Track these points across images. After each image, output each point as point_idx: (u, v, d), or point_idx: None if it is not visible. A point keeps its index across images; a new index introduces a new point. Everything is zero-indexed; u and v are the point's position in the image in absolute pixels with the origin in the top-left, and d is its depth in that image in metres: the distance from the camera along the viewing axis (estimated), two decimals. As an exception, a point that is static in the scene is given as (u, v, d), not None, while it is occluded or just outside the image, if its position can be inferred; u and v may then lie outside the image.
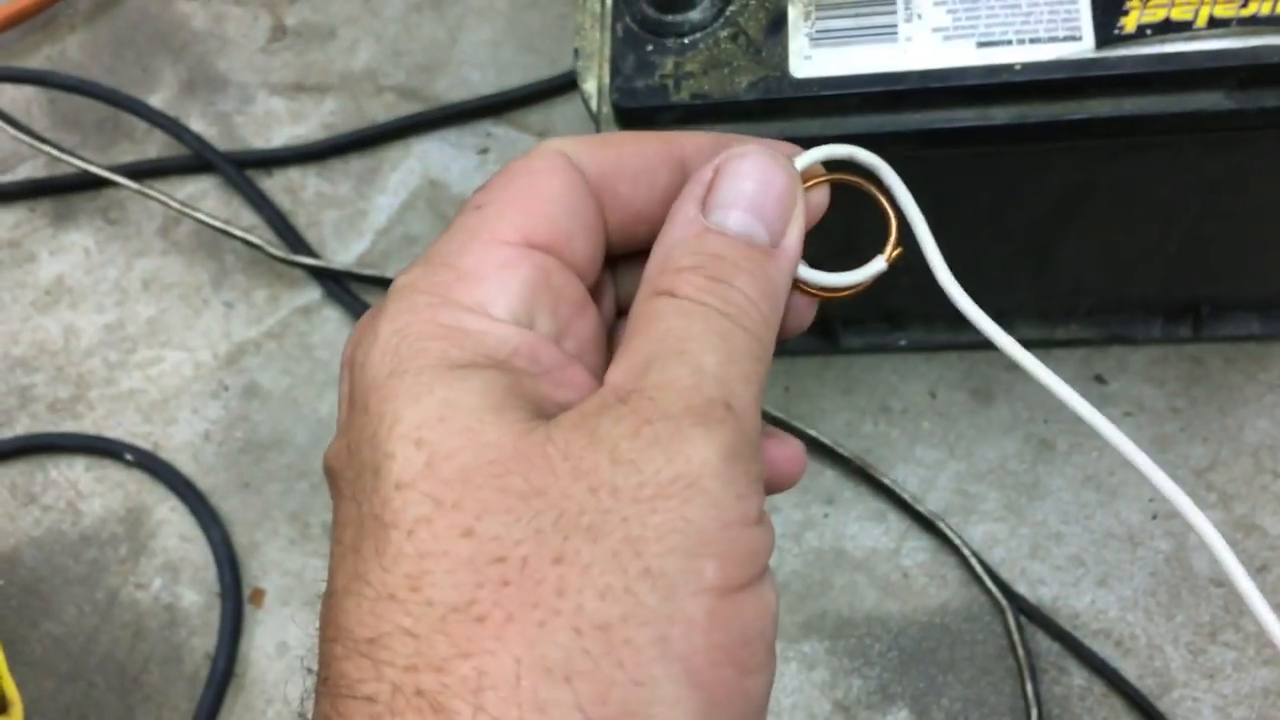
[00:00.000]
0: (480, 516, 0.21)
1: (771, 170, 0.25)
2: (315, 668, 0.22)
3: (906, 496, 0.56)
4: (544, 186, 0.25)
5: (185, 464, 0.62)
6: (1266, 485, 0.54)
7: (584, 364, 0.25)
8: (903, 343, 0.58)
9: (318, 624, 0.23)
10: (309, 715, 0.22)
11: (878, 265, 0.27)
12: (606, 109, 0.42)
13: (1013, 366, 0.58)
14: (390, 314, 0.23)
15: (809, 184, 0.27)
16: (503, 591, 0.20)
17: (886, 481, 0.56)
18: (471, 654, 0.20)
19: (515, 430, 0.22)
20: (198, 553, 0.60)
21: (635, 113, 0.41)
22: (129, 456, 0.62)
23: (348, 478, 0.23)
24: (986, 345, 0.60)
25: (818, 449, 0.57)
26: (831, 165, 0.28)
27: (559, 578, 0.20)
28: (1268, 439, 0.55)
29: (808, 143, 0.40)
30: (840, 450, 0.57)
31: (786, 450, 0.27)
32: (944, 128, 0.40)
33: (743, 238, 0.24)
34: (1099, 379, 0.57)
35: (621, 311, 0.28)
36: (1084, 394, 0.57)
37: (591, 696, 0.20)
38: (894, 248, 0.27)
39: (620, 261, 0.27)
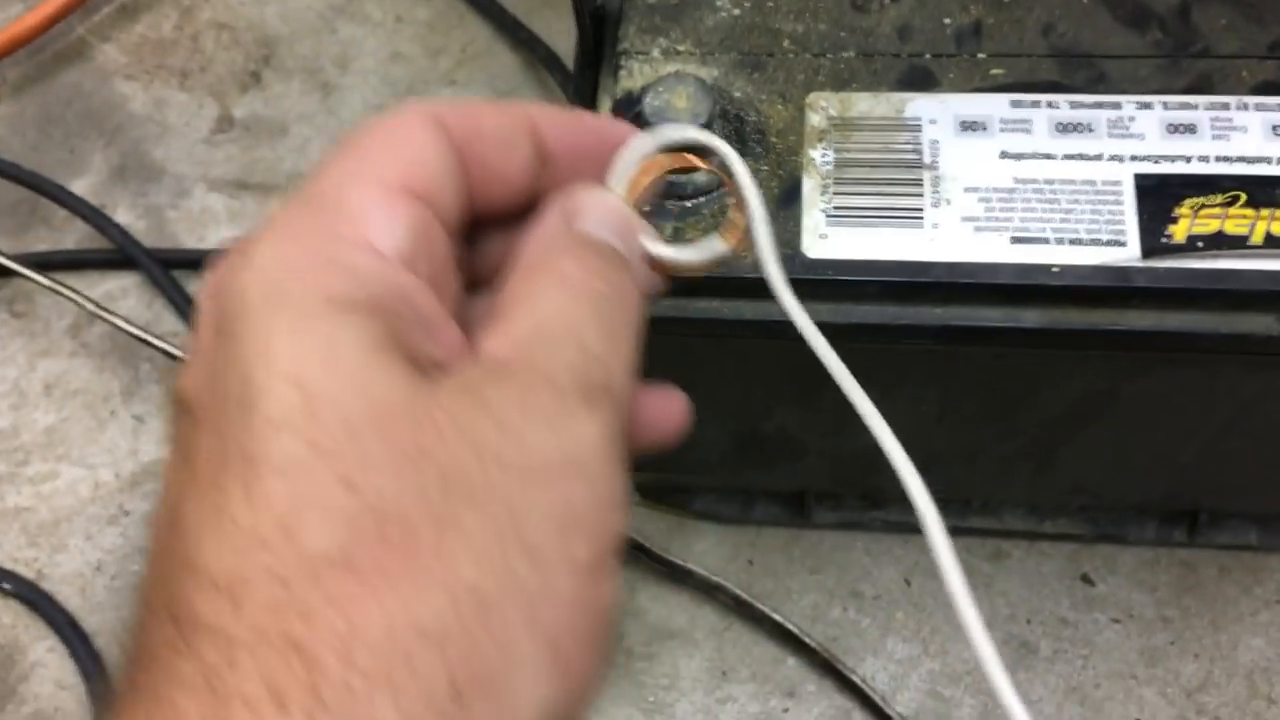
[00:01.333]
0: (362, 468, 0.20)
1: (618, 207, 0.26)
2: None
3: (876, 697, 0.51)
4: (418, 138, 0.25)
5: (71, 598, 0.55)
6: (1260, 713, 0.50)
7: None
8: (878, 522, 0.53)
9: (148, 555, 0.22)
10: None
11: (717, 245, 0.27)
12: (592, 270, 0.37)
13: (995, 558, 0.54)
14: (268, 241, 0.23)
15: (667, 170, 0.27)
16: (380, 548, 0.20)
17: (855, 679, 0.51)
18: (342, 606, 0.20)
19: (401, 385, 0.21)
20: (74, 704, 0.53)
21: (626, 280, 0.36)
22: (6, 585, 0.55)
23: (207, 405, 0.22)
24: (967, 531, 0.55)
25: (781, 635, 0.52)
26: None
27: (438, 542, 0.20)
28: (1262, 660, 0.51)
29: (820, 328, 0.36)
30: (805, 639, 0.52)
31: (666, 403, 0.27)
32: (968, 326, 0.36)
33: (608, 243, 0.25)
34: (1086, 579, 0.53)
35: (471, 285, 0.27)
36: (1070, 595, 0.53)
37: (459, 660, 0.20)
38: (737, 232, 0.28)
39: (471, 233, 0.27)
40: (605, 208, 0.26)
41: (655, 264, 0.27)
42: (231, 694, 0.19)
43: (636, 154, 0.27)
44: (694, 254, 0.27)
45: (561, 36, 0.63)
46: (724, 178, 0.28)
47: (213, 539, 0.20)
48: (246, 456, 0.20)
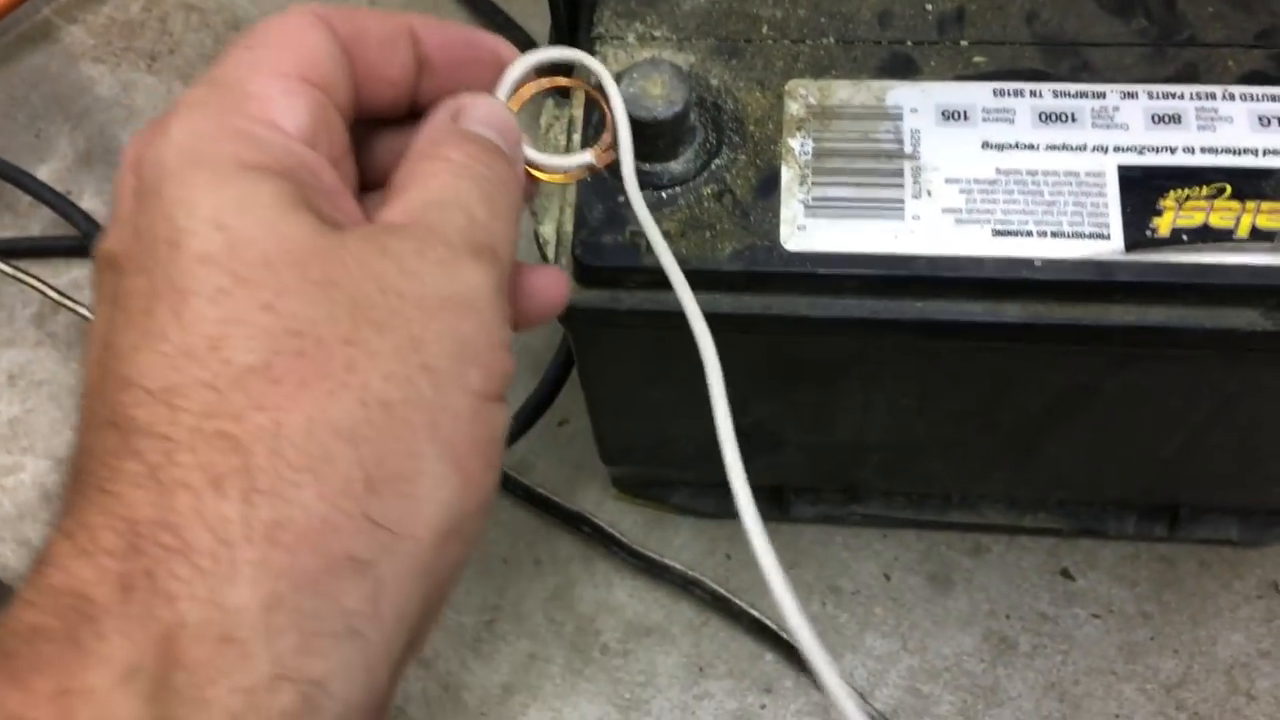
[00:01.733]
0: (280, 295, 0.23)
1: (502, 109, 0.30)
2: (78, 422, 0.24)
3: (854, 692, 0.50)
4: (310, 36, 0.27)
5: (34, 593, 0.54)
6: (1240, 709, 0.50)
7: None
8: (857, 516, 0.53)
9: (83, 389, 0.24)
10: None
11: (585, 157, 0.31)
12: (565, 261, 0.37)
13: (975, 552, 0.53)
14: (182, 117, 0.25)
15: (539, 89, 0.31)
16: (298, 361, 0.23)
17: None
18: (267, 409, 0.22)
19: (309, 230, 0.24)
20: (37, 701, 0.52)
21: (599, 272, 0.35)
22: (-32, 580, 0.54)
23: (133, 255, 0.24)
24: (947, 525, 0.55)
25: (758, 630, 0.52)
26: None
27: (349, 357, 0.23)
28: (1241, 655, 0.50)
29: (794, 323, 0.36)
30: (783, 634, 0.51)
31: (546, 278, 0.31)
32: (949, 320, 0.35)
33: (490, 138, 0.28)
34: (1065, 573, 0.52)
35: (360, 188, 0.30)
36: (1050, 589, 0.53)
37: (372, 459, 0.23)
38: (605, 149, 0.31)
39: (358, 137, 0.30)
40: (489, 108, 0.29)
41: (529, 167, 0.30)
42: (175, 483, 0.21)
43: (520, 68, 0.30)
44: (563, 162, 0.31)
45: (537, 20, 0.62)
46: (598, 97, 0.31)
47: (147, 357, 0.23)
48: (176, 288, 0.23)
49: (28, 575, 0.22)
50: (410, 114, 0.30)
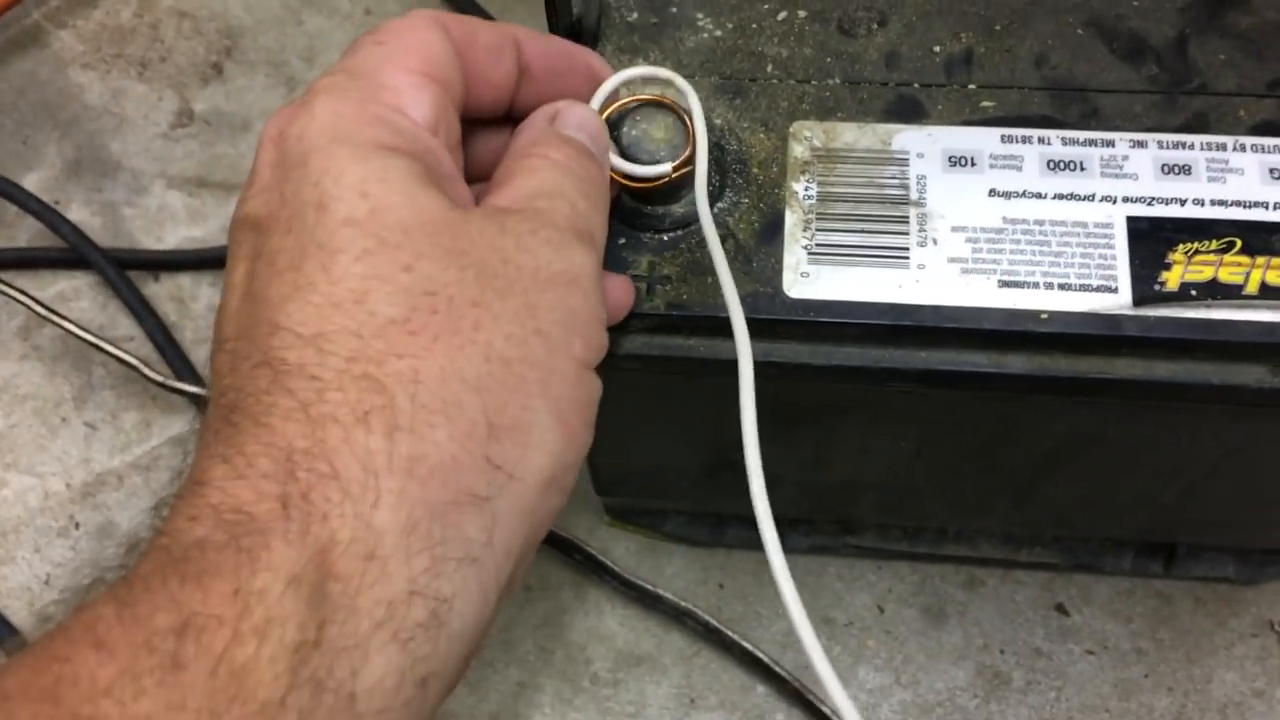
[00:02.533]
0: (417, 258, 0.26)
1: (594, 117, 0.32)
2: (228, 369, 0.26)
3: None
4: (432, 37, 0.29)
5: (17, 613, 0.53)
6: (1234, 748, 0.49)
7: None
8: (851, 548, 0.52)
9: (226, 335, 0.27)
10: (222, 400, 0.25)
11: (665, 168, 0.33)
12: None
13: (970, 586, 0.53)
14: (324, 100, 0.28)
15: (626, 101, 0.34)
16: (432, 317, 0.25)
17: (825, 709, 0.50)
18: (406, 357, 0.25)
19: (440, 204, 0.27)
20: (19, 725, 0.51)
21: (598, 316, 0.35)
22: (-50, 599, 0.53)
23: (281, 218, 0.26)
24: (942, 558, 0.54)
25: (750, 662, 0.51)
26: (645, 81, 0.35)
27: (476, 318, 0.26)
28: (1236, 695, 0.50)
29: (795, 370, 0.35)
30: (775, 667, 0.51)
31: (616, 285, 0.33)
32: (952, 371, 0.34)
33: (584, 142, 0.31)
34: (1060, 609, 0.52)
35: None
36: (1044, 624, 0.52)
37: (493, 408, 0.26)
38: (682, 163, 0.33)
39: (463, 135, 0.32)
40: (583, 115, 0.32)
41: (612, 172, 0.33)
42: (325, 417, 0.24)
43: (614, 82, 0.33)
44: (643, 170, 0.33)
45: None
46: (682, 113, 0.34)
47: (297, 306, 0.25)
48: (324, 247, 0.26)
49: (180, 495, 0.24)
50: (506, 117, 0.33)
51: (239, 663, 0.22)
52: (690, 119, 0.34)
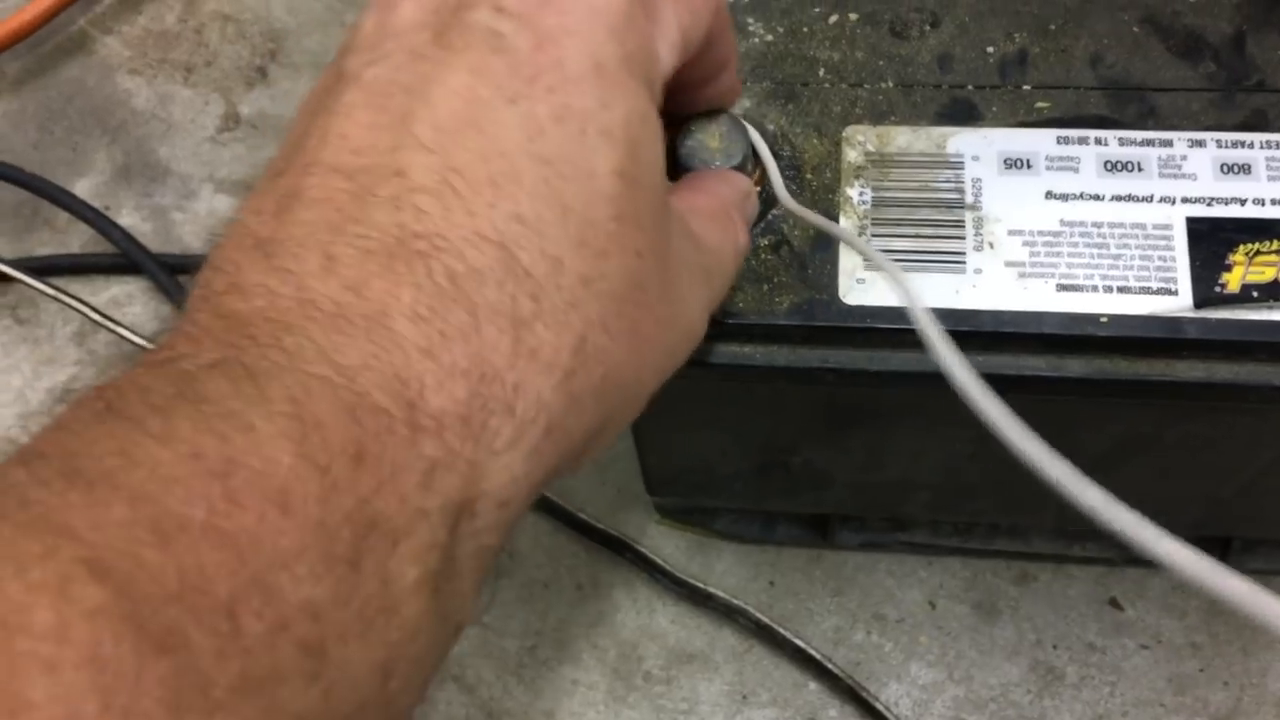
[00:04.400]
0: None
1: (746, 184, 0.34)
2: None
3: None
4: (684, 19, 0.29)
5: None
6: (1291, 742, 0.49)
7: None
8: (902, 544, 0.52)
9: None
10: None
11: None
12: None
13: (1022, 581, 0.53)
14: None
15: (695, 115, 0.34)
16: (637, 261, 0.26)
17: (878, 705, 0.50)
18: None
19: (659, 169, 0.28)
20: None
21: (655, 325, 0.35)
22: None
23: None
24: (993, 554, 0.54)
25: (802, 659, 0.51)
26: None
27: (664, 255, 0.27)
28: (1293, 688, 0.50)
29: (851, 376, 0.35)
30: (827, 663, 0.51)
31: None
32: (1010, 375, 0.34)
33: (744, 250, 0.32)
34: (1114, 603, 0.52)
35: None
36: (1098, 619, 0.52)
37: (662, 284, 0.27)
38: (739, 167, 0.33)
39: None
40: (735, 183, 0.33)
41: None
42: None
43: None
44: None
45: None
46: (748, 125, 0.34)
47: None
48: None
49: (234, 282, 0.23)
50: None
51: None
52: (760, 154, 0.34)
